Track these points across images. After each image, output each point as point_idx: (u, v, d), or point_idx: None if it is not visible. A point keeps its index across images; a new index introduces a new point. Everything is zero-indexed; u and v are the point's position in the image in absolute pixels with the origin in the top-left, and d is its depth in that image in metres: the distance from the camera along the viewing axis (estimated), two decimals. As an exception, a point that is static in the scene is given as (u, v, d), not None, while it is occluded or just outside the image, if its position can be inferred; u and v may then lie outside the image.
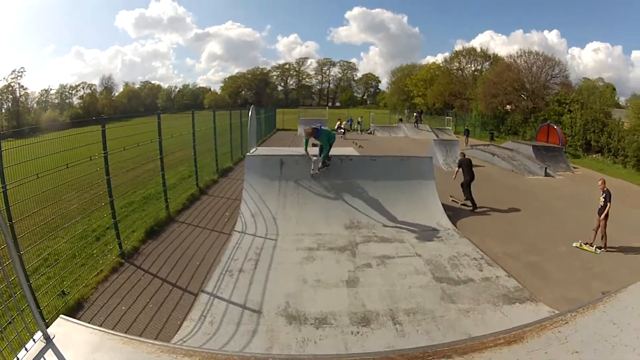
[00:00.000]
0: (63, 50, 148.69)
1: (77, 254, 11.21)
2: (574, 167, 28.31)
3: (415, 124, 54.42)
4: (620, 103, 52.88)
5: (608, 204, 12.20)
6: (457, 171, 17.54)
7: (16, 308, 5.46)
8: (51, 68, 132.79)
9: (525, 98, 49.81)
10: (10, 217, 7.95)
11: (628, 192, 20.38)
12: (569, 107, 40.66)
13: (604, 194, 12.36)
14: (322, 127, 14.87)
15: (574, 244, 12.53)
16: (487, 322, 7.84)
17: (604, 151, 35.05)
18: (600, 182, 12.72)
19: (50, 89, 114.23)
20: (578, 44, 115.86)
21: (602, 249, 12.08)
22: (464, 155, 18.26)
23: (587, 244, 12.38)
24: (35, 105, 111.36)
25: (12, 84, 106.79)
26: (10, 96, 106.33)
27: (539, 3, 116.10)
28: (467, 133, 44.08)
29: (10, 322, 5.63)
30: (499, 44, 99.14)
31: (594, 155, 35.51)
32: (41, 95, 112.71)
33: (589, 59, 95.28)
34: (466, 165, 16.95)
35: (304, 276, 9.92)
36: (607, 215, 12.14)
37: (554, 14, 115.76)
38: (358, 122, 56.62)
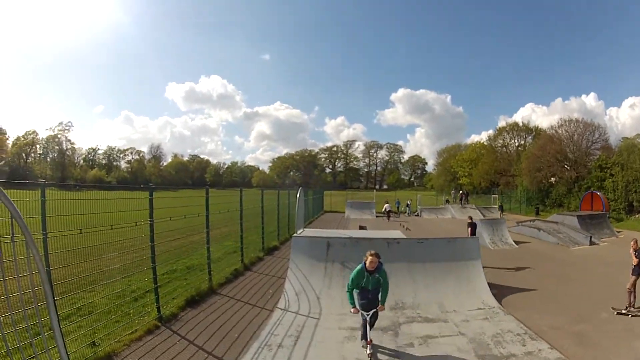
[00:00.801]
0: (112, 113, 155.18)
1: (112, 310, 11.31)
2: (618, 231, 28.28)
3: (461, 202, 54.63)
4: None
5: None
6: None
7: (42, 346, 5.47)
8: (99, 128, 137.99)
9: (568, 168, 49.79)
10: (48, 264, 8.12)
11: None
12: (611, 170, 40.43)
13: (637, 253, 12.31)
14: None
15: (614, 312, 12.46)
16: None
17: (646, 210, 34.62)
18: (632, 242, 12.61)
19: (98, 149, 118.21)
20: (615, 103, 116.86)
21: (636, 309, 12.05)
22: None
23: (626, 308, 12.36)
24: (82, 161, 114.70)
25: (59, 136, 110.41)
26: (57, 147, 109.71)
27: (575, 68, 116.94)
28: (501, 208, 48.27)
29: (34, 357, 5.63)
30: (540, 115, 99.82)
31: (637, 216, 35.11)
32: (88, 153, 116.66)
33: (626, 117, 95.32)
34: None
35: (345, 355, 9.77)
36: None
37: (590, 77, 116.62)
38: (407, 205, 57.00)
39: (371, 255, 9.42)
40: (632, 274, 12.25)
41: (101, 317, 10.54)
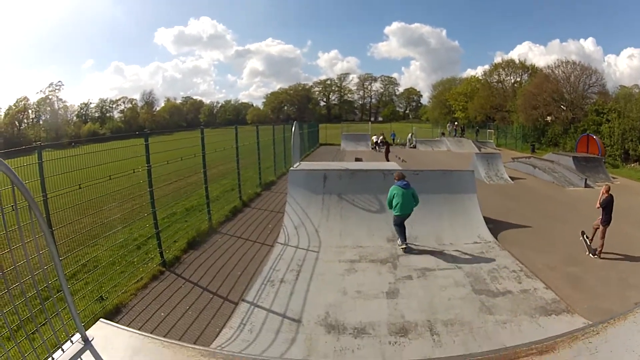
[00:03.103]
0: (102, 65, 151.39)
1: (117, 261, 11.43)
2: (613, 178, 27.99)
3: (456, 135, 54.90)
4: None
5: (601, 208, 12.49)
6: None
7: (53, 309, 5.60)
8: (90, 82, 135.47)
9: (564, 109, 49.46)
10: (50, 225, 8.23)
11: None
12: (607, 116, 40.23)
13: (602, 200, 12.59)
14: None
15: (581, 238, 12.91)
16: (523, 334, 7.85)
17: (642, 160, 34.64)
18: (605, 187, 12.97)
19: (90, 103, 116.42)
20: (613, 51, 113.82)
21: (596, 255, 12.30)
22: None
23: (591, 240, 12.69)
24: (74, 117, 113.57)
25: (50, 97, 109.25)
26: (49, 108, 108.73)
27: (574, 12, 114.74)
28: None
29: (45, 322, 5.76)
30: (537, 54, 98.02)
31: (633, 165, 35.12)
32: (81, 108, 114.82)
33: (624, 66, 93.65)
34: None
35: (345, 287, 10.00)
36: (603, 221, 12.37)
37: (589, 22, 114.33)
38: (409, 139, 56.05)
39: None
40: (601, 223, 12.46)
41: (106, 270, 10.65)
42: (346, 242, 13.01)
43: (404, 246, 12.41)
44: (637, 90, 60.54)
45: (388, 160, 34.90)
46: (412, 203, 12.46)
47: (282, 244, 13.09)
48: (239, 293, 9.85)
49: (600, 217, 12.42)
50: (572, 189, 24.21)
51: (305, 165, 18.47)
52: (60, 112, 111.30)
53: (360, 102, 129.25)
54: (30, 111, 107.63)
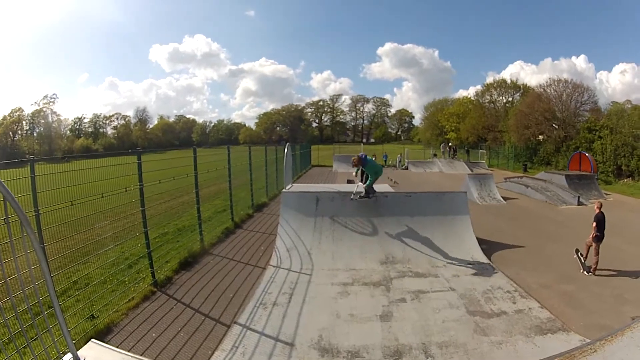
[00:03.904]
0: (97, 80, 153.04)
1: (108, 280, 11.36)
2: (606, 194, 28.38)
3: (450, 156, 55.59)
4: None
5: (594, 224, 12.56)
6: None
7: (44, 325, 5.52)
8: (85, 97, 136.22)
9: (556, 127, 49.86)
10: (42, 240, 8.17)
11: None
12: (599, 133, 40.63)
13: (595, 217, 12.67)
14: (368, 157, 15.32)
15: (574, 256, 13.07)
16: (519, 354, 7.85)
17: (634, 175, 35.11)
18: (597, 204, 13.04)
19: (84, 117, 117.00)
20: (605, 67, 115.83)
21: (590, 273, 12.39)
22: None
23: (585, 257, 12.81)
24: (68, 132, 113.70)
25: (45, 110, 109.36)
26: (43, 121, 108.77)
27: (565, 30, 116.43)
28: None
29: (36, 338, 5.68)
30: (529, 73, 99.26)
31: (625, 180, 35.45)
32: (74, 122, 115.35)
33: (616, 82, 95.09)
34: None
35: (338, 310, 9.93)
36: (595, 238, 12.45)
37: (581, 40, 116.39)
38: (398, 161, 56.83)
39: (352, 161, 15.60)
40: (593, 240, 12.51)
41: (97, 288, 10.57)
42: (339, 264, 12.95)
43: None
44: (629, 106, 61.02)
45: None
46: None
47: (274, 266, 13.02)
48: (231, 315, 9.75)
49: (592, 234, 12.45)
50: (565, 207, 24.37)
51: (298, 187, 18.49)
52: (54, 125, 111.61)
53: (353, 124, 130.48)
54: (24, 123, 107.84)
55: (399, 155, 58.51)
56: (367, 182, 14.66)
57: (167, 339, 8.73)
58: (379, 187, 17.46)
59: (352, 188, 15.35)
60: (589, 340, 6.70)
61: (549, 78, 56.25)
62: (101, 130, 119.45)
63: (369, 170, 14.72)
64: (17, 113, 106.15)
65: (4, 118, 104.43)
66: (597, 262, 12.31)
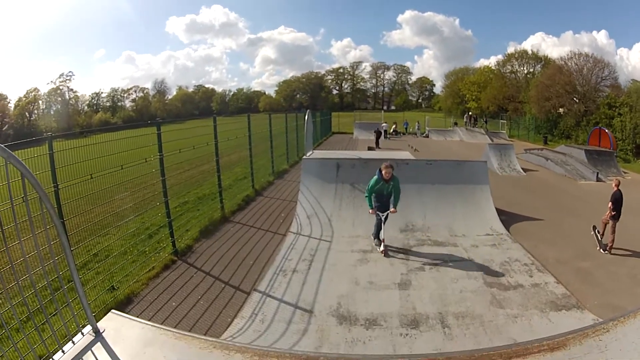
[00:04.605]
0: (113, 55, 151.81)
1: (128, 251, 11.46)
2: (624, 172, 27.96)
3: (470, 125, 55.47)
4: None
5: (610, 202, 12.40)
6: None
7: (64, 300, 5.61)
8: (102, 72, 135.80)
9: (577, 101, 49.19)
10: (61, 215, 8.28)
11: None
12: (619, 110, 40.14)
13: (612, 196, 12.52)
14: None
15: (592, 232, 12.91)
16: (533, 328, 7.87)
17: (653, 155, 34.44)
18: (615, 181, 12.92)
19: (102, 92, 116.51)
20: (626, 44, 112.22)
21: (606, 251, 12.21)
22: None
23: (602, 235, 12.61)
24: (86, 107, 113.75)
25: (61, 87, 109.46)
26: (59, 99, 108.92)
27: (587, 3, 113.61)
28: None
29: (55, 313, 5.77)
30: (550, 45, 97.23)
31: None
32: (92, 98, 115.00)
33: (636, 60, 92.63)
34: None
35: (357, 278, 10.03)
36: (612, 216, 12.26)
37: (602, 15, 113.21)
38: (417, 127, 56.93)
39: (386, 167, 11.24)
40: (610, 218, 12.38)
41: (117, 259, 10.65)
42: (359, 231, 13.00)
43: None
44: (649, 85, 60.23)
45: (378, 147, 35.15)
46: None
47: (294, 233, 13.12)
48: (251, 283, 9.87)
49: (609, 212, 12.37)
50: (584, 182, 24.12)
51: (318, 154, 18.56)
52: (71, 102, 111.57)
53: (373, 91, 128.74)
54: (40, 102, 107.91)
55: (417, 122, 58.52)
56: (395, 202, 11.54)
57: (187, 307, 8.87)
58: (400, 154, 17.39)
59: (372, 155, 15.19)
60: (601, 320, 6.71)
61: (570, 51, 55.53)
62: (120, 104, 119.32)
63: (396, 185, 11.53)
64: (33, 93, 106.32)
65: (19, 100, 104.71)
66: (613, 241, 12.20)
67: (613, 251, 12.14)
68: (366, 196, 11.72)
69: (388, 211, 11.60)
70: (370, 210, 11.65)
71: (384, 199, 11.63)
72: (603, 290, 9.70)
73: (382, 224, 11.60)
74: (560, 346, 3.76)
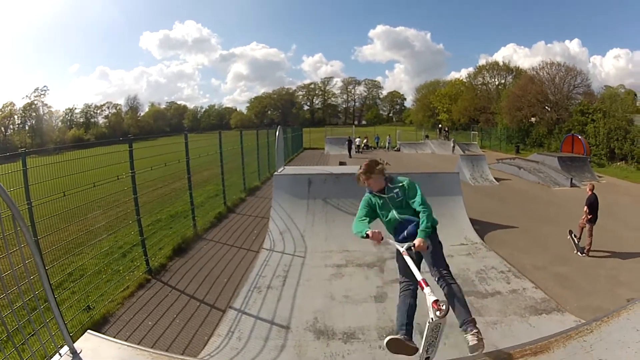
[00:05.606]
0: (88, 70, 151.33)
1: (103, 270, 11.30)
2: (599, 176, 28.52)
3: (442, 138, 56.67)
4: (642, 109, 52.52)
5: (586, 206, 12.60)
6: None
7: (41, 320, 5.52)
8: (76, 87, 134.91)
9: (549, 110, 50.23)
10: (35, 234, 8.11)
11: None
12: (592, 116, 40.98)
13: (587, 199, 12.72)
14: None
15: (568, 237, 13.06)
16: (514, 334, 7.84)
17: (627, 158, 35.38)
18: (589, 186, 13.17)
19: (75, 108, 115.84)
20: (599, 51, 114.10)
21: (584, 254, 12.37)
22: None
23: (578, 239, 12.78)
24: (59, 123, 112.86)
25: (36, 102, 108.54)
26: (34, 114, 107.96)
27: (559, 13, 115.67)
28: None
29: (33, 334, 5.68)
30: (522, 56, 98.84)
31: (619, 163, 35.83)
32: (66, 113, 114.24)
33: (610, 67, 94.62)
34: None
35: (332, 292, 9.97)
36: (589, 219, 12.46)
37: (575, 24, 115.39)
38: (388, 141, 57.68)
39: (362, 172, 6.20)
40: (587, 222, 12.54)
41: (92, 278, 10.51)
42: (332, 246, 12.94)
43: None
44: (622, 90, 61.47)
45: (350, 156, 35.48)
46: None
47: (267, 249, 13.02)
48: (226, 300, 9.76)
49: (585, 216, 12.49)
50: (558, 188, 24.41)
51: (290, 169, 18.46)
52: (45, 117, 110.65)
53: (344, 106, 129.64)
54: (16, 117, 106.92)
55: (387, 136, 59.12)
56: (424, 226, 5.97)
57: (163, 326, 8.73)
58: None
59: (344, 170, 15.18)
60: (583, 321, 6.74)
61: (542, 61, 56.78)
62: (92, 120, 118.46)
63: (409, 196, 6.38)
64: (9, 107, 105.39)
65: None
66: (590, 244, 12.33)
67: (591, 253, 12.28)
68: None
69: (412, 242, 5.81)
70: (369, 233, 5.72)
71: (397, 222, 6.21)
72: (583, 293, 9.77)
73: (413, 265, 5.85)
74: (544, 349, 3.75)
